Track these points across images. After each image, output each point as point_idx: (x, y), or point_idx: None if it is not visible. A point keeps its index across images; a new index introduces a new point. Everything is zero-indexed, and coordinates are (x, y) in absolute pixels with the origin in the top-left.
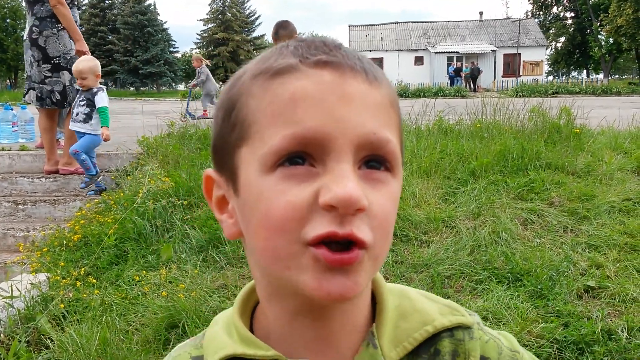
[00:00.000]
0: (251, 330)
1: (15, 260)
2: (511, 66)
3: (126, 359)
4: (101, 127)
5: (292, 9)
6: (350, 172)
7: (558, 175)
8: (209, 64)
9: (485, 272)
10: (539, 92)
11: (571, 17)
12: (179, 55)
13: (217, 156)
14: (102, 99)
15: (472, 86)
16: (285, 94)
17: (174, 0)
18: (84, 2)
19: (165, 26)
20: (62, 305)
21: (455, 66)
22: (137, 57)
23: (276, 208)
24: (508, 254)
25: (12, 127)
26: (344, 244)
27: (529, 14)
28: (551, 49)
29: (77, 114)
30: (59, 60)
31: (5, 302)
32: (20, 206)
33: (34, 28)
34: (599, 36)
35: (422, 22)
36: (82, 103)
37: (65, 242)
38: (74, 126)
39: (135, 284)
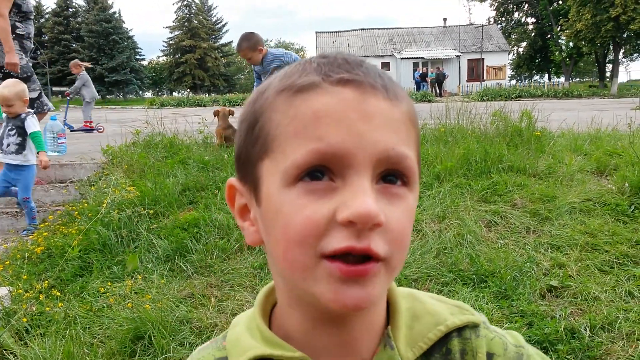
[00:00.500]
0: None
1: None
2: (475, 71)
3: None
4: (37, 152)
5: (260, 16)
6: (368, 187)
7: (520, 177)
8: (88, 65)
9: (451, 274)
10: (503, 96)
11: (532, 23)
12: (145, 62)
13: (240, 166)
14: (33, 124)
15: (437, 91)
16: (308, 110)
17: (139, 7)
18: (46, 11)
19: (130, 34)
20: (25, 320)
21: (421, 71)
22: (103, 65)
23: (295, 222)
24: (473, 256)
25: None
26: (360, 257)
27: (492, 19)
28: (513, 54)
29: (8, 145)
30: None
31: None
32: None
33: None
34: (560, 41)
35: (387, 28)
36: (11, 132)
37: (28, 254)
38: (4, 158)
39: (100, 296)
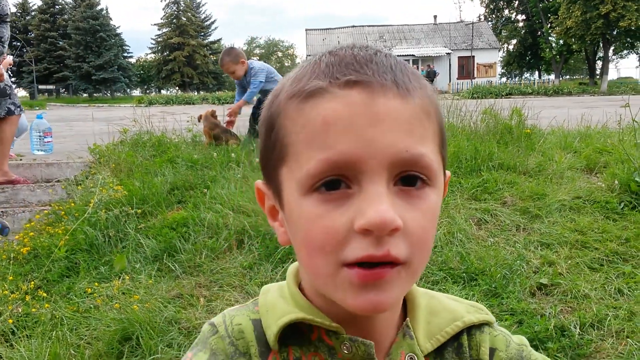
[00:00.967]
0: None
1: None
2: (466, 68)
3: None
4: None
5: (248, 14)
6: (382, 193)
7: (510, 175)
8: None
9: (442, 272)
10: (493, 94)
11: (522, 20)
12: (133, 60)
13: (264, 170)
14: None
15: None
16: (318, 118)
17: (127, 4)
18: (33, 8)
19: (118, 31)
20: (10, 321)
21: None
22: (90, 63)
23: (315, 232)
24: (463, 254)
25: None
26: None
27: (482, 17)
28: (503, 51)
29: None
30: None
31: None
32: None
33: None
34: (550, 38)
35: (378, 25)
36: None
37: (13, 255)
38: None
39: (87, 297)
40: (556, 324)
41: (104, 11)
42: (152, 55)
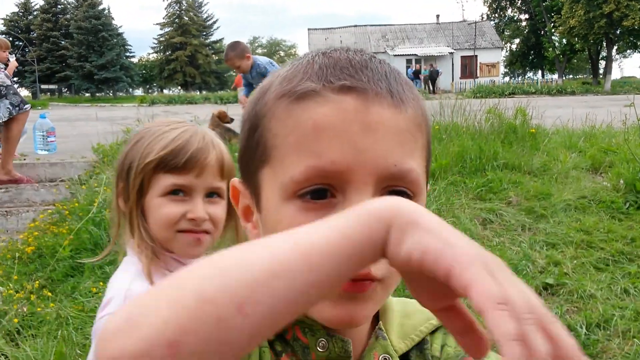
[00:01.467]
0: None
1: None
2: (468, 68)
3: None
4: None
5: (250, 13)
6: None
7: (515, 174)
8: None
9: None
10: (496, 93)
11: (525, 19)
12: (135, 60)
13: (243, 168)
14: None
15: (431, 88)
16: (308, 122)
17: (129, 4)
18: (35, 7)
19: (120, 30)
20: (16, 320)
21: (414, 68)
22: (92, 63)
23: None
24: None
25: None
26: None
27: (485, 16)
28: (506, 51)
29: None
30: None
31: None
32: None
33: None
34: (553, 37)
35: (380, 25)
36: None
37: (18, 254)
38: None
39: (93, 296)
40: (562, 323)
41: (106, 11)
42: (155, 55)
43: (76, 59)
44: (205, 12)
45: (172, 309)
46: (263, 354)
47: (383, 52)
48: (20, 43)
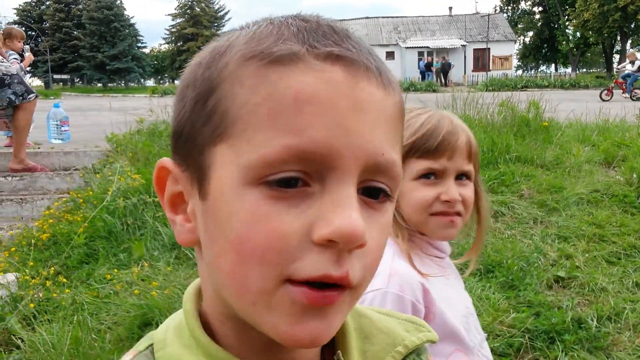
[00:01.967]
0: None
1: None
2: (481, 61)
3: (99, 358)
4: None
5: (260, 5)
6: (354, 198)
7: (527, 168)
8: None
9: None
10: (509, 86)
11: (539, 12)
12: (147, 50)
13: (181, 146)
14: None
15: (443, 81)
16: (288, 91)
17: None
18: None
19: (132, 21)
20: (32, 305)
21: (426, 61)
22: (104, 53)
23: (256, 235)
24: None
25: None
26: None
27: (498, 8)
28: (520, 44)
29: None
30: None
31: None
32: None
33: None
34: (567, 30)
35: (392, 17)
36: None
37: (33, 241)
38: None
39: (107, 283)
40: (573, 316)
41: (118, 1)
42: (166, 46)
43: (88, 49)
44: (217, 3)
45: None
46: None
47: (395, 45)
48: (33, 33)
